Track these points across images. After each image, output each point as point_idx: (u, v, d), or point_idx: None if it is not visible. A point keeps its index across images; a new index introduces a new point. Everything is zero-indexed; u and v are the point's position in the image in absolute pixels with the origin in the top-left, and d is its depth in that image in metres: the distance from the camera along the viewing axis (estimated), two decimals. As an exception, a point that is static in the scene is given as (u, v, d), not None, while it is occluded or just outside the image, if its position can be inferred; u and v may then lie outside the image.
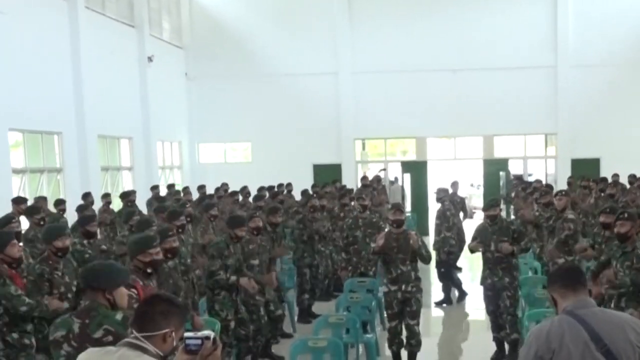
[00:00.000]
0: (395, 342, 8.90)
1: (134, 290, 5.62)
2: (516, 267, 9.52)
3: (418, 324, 8.83)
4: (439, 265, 13.49)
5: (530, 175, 23.10)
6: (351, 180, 22.19)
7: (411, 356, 8.95)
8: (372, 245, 8.97)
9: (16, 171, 15.38)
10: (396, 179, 23.70)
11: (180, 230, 9.12)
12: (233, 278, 8.44)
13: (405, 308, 8.76)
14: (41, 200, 13.60)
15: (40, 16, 16.03)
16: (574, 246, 9.82)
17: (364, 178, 19.62)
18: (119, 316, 4.53)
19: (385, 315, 9.02)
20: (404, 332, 8.90)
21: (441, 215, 13.71)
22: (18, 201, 12.28)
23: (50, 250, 7.18)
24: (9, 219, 9.37)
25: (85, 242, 9.45)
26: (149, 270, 6.33)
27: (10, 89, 14.37)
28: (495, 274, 9.22)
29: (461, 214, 15.25)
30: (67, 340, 4.55)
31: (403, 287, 8.70)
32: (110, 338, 4.41)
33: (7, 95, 14.21)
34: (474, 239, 9.58)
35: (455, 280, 13.59)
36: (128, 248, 6.41)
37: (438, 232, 13.52)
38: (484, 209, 9.75)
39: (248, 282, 8.57)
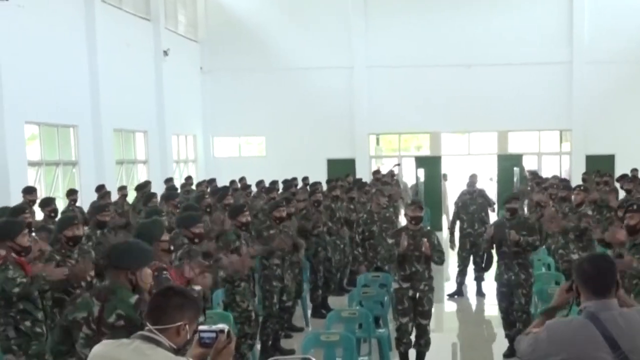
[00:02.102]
0: (403, 343, 8.68)
1: (166, 272, 5.80)
2: (532, 263, 9.48)
3: (429, 324, 8.73)
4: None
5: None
6: (365, 175, 22.12)
7: (419, 356, 8.82)
8: (395, 248, 8.58)
9: (32, 164, 15.43)
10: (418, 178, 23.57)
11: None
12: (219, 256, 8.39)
13: (417, 307, 8.62)
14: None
15: (57, 9, 16.07)
16: (589, 242, 9.80)
17: (376, 172, 19.57)
18: (132, 299, 4.57)
19: (396, 311, 8.81)
20: (413, 332, 8.75)
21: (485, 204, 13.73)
22: (28, 191, 12.44)
23: (62, 240, 7.36)
24: (22, 209, 9.63)
25: (98, 232, 9.68)
26: (196, 241, 7.36)
27: (27, 82, 14.41)
28: (511, 269, 9.13)
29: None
30: (87, 322, 4.61)
31: (416, 285, 8.57)
32: (122, 322, 4.46)
33: (24, 88, 14.26)
34: (489, 236, 9.48)
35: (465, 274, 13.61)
36: (179, 220, 6.69)
37: (482, 222, 13.30)
38: (505, 202, 9.67)
39: (232, 261, 8.38)
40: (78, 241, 7.47)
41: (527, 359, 3.93)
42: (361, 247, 11.66)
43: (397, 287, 8.70)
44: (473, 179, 14.50)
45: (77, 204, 14.09)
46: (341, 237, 12.78)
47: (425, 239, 8.48)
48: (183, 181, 18.31)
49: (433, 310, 9.03)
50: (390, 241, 8.84)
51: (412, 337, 8.74)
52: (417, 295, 8.57)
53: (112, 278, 4.73)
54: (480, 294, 13.28)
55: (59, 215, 11.27)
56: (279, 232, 9.59)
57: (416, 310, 8.63)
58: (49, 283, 6.86)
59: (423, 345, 8.72)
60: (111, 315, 4.52)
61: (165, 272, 5.79)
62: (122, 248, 4.85)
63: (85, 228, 10.99)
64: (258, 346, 9.19)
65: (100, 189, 14.62)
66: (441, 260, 8.81)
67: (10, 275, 6.57)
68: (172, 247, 6.39)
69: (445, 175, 22.88)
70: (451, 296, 13.32)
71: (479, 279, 13.41)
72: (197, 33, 24.21)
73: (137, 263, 4.70)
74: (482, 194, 14.21)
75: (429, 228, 9.66)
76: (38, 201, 12.55)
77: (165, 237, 6.20)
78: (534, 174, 18.43)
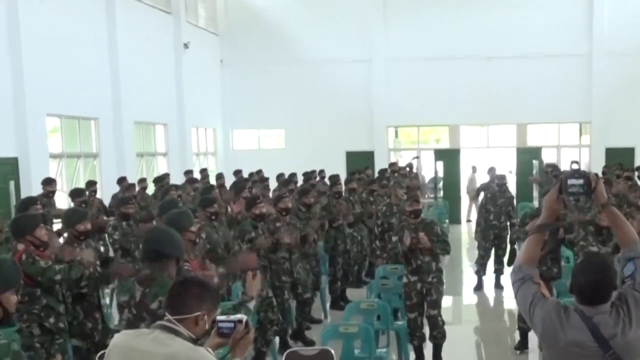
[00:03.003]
0: (416, 336, 8.66)
1: (187, 263, 5.86)
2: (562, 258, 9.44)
3: (440, 314, 8.63)
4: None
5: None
6: (383, 167, 22.10)
7: (436, 349, 8.71)
8: (399, 247, 8.62)
9: (53, 156, 15.58)
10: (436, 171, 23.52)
11: (213, 217, 9.26)
12: (245, 246, 8.41)
13: (425, 298, 8.56)
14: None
15: (77, 2, 16.16)
16: (609, 235, 9.73)
17: (393, 164, 19.50)
18: None
19: (404, 307, 8.82)
20: (425, 326, 8.73)
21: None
22: (47, 182, 12.58)
23: (72, 234, 7.29)
24: (33, 200, 9.60)
25: (124, 224, 9.80)
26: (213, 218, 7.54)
27: (48, 75, 14.52)
28: (544, 263, 8.90)
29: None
30: (129, 306, 4.69)
31: (424, 278, 8.52)
32: (163, 311, 4.43)
33: (45, 81, 14.35)
34: (525, 224, 9.28)
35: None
36: (177, 222, 6.38)
37: (508, 216, 13.34)
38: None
39: (263, 240, 8.65)
40: (88, 235, 7.45)
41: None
42: (379, 240, 11.63)
43: (405, 281, 8.69)
44: (496, 172, 14.48)
45: (97, 195, 14.22)
46: (359, 229, 12.75)
47: (422, 234, 8.39)
48: (199, 175, 18.33)
49: (451, 303, 8.92)
50: (394, 238, 8.86)
51: (426, 331, 8.73)
52: (425, 287, 8.53)
53: (156, 267, 4.72)
54: (498, 286, 13.26)
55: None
56: (285, 224, 9.52)
57: (424, 302, 8.58)
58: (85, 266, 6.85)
59: (438, 337, 8.65)
60: (153, 301, 4.58)
61: (186, 263, 5.82)
62: (167, 236, 4.85)
63: (111, 218, 11.16)
64: (277, 339, 9.20)
65: (122, 181, 14.78)
66: (446, 251, 8.72)
67: (43, 264, 6.53)
68: (197, 240, 6.44)
69: (474, 168, 22.77)
70: (476, 289, 13.27)
71: (498, 271, 13.39)
72: (217, 26, 24.24)
73: (182, 252, 4.80)
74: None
75: (433, 219, 9.60)
76: (66, 192, 12.66)
77: (194, 228, 6.27)
78: (554, 167, 18.34)
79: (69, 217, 7.48)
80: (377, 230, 11.81)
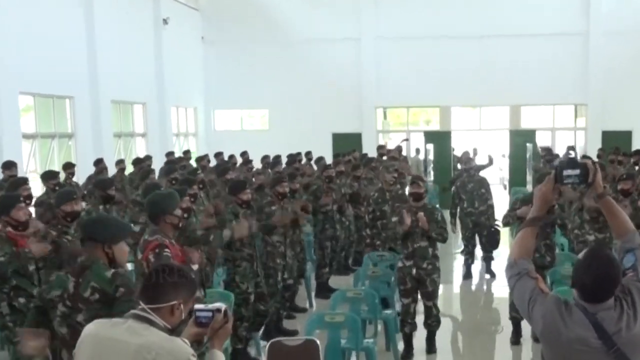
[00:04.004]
0: (408, 323, 8.61)
1: (167, 250, 5.74)
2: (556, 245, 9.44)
3: (435, 305, 8.64)
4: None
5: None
6: (371, 150, 21.74)
7: (430, 335, 8.79)
8: (398, 227, 8.49)
9: (27, 136, 15.33)
10: (417, 150, 23.20)
11: (192, 199, 9.22)
12: (226, 232, 8.10)
13: (421, 288, 8.54)
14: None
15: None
16: (605, 223, 9.41)
17: (381, 147, 19.17)
18: (108, 273, 4.57)
19: (398, 292, 8.83)
20: (418, 315, 8.72)
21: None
22: (7, 166, 12.32)
23: (59, 215, 7.28)
24: (23, 181, 9.87)
25: (100, 207, 9.80)
26: (185, 216, 7.07)
27: (22, 51, 14.17)
28: (537, 250, 8.67)
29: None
30: (62, 300, 4.60)
31: (419, 263, 8.46)
32: (96, 296, 4.50)
33: (19, 57, 14.00)
34: (515, 209, 9.08)
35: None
36: (161, 203, 6.11)
37: (483, 200, 12.92)
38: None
39: (239, 226, 8.21)
40: (76, 216, 7.32)
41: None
42: (370, 228, 11.40)
43: (400, 265, 8.66)
44: (467, 155, 14.55)
45: (74, 177, 14.00)
46: (346, 215, 12.57)
47: (422, 213, 8.37)
48: (181, 155, 18.19)
49: (442, 292, 8.89)
50: (394, 219, 8.82)
51: (418, 319, 8.72)
52: (420, 274, 8.47)
53: (88, 252, 4.72)
54: (490, 273, 12.98)
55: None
56: (280, 208, 9.51)
57: (420, 291, 8.61)
58: (36, 259, 6.82)
59: (432, 325, 8.71)
60: (86, 289, 4.54)
61: (166, 249, 5.72)
62: (98, 221, 4.93)
63: (83, 203, 10.73)
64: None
65: (99, 162, 14.60)
66: (443, 238, 8.64)
67: None
68: (180, 224, 6.32)
69: (475, 150, 22.38)
70: (464, 278, 13.00)
71: (487, 259, 13.14)
72: (197, 1, 24.07)
73: (113, 237, 4.72)
74: (479, 169, 14.13)
75: (434, 205, 9.53)
76: (39, 173, 12.35)
77: (177, 211, 6.16)
78: (548, 151, 18.08)
79: (56, 198, 7.51)
80: (367, 217, 11.56)
